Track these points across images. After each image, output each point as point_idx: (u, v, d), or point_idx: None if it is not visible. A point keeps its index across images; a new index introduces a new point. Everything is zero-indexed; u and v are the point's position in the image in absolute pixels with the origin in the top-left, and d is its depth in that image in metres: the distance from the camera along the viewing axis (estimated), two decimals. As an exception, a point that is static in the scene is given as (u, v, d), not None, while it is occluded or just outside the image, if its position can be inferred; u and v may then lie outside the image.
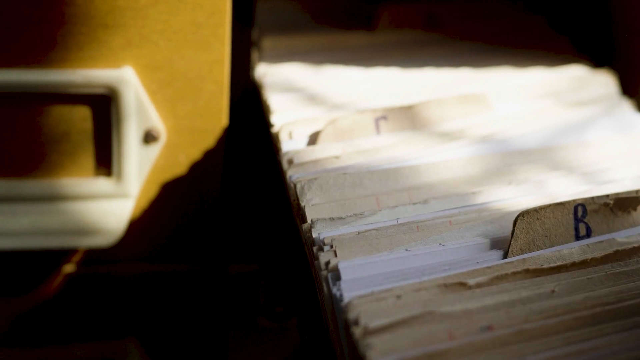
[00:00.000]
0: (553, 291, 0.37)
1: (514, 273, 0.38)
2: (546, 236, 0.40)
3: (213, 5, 0.53)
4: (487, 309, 0.36)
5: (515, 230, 0.40)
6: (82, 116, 0.56)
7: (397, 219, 0.43)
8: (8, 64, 0.54)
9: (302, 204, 0.45)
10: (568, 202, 0.41)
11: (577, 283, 0.38)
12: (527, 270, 0.38)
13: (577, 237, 0.41)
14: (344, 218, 0.43)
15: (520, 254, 0.40)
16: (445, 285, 0.37)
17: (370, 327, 0.35)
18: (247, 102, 0.64)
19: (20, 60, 0.54)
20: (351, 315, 0.36)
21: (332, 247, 0.41)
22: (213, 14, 0.54)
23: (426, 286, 0.37)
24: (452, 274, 0.38)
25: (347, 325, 0.36)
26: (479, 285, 0.37)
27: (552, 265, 0.39)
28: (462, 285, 0.37)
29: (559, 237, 0.40)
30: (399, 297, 0.36)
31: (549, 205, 0.40)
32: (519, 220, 0.40)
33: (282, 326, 0.56)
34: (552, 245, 0.40)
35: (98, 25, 0.53)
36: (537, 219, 0.40)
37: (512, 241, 0.40)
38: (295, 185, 0.46)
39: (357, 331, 0.35)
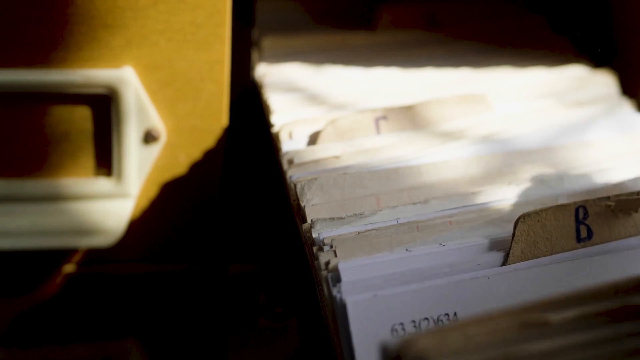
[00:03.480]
0: None
1: None
2: (547, 238, 0.40)
3: (213, 5, 0.53)
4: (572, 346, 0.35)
5: (516, 233, 0.40)
6: (82, 116, 0.56)
7: (397, 219, 0.43)
8: (8, 64, 0.54)
9: (302, 204, 0.45)
10: (569, 204, 0.40)
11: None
12: None
13: (579, 240, 0.40)
14: (344, 218, 0.43)
15: (521, 257, 0.39)
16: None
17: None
18: (247, 102, 0.64)
19: (20, 60, 0.54)
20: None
21: (332, 247, 0.41)
22: (213, 14, 0.54)
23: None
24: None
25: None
26: None
27: None
28: None
29: (560, 240, 0.40)
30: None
31: (550, 208, 0.40)
32: (519, 223, 0.40)
33: (282, 326, 0.56)
34: (553, 248, 0.40)
35: (98, 25, 0.53)
36: (538, 221, 0.40)
37: (513, 244, 0.40)
38: (295, 185, 0.46)
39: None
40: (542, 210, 0.40)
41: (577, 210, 0.40)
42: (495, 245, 0.41)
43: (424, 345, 0.30)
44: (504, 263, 0.40)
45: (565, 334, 0.31)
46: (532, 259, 0.40)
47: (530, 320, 0.31)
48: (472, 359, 0.30)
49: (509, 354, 0.30)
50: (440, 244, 0.41)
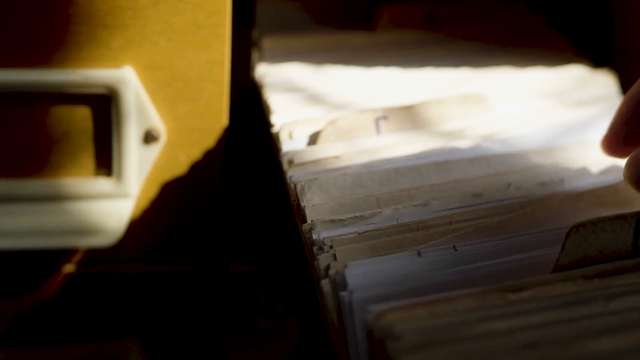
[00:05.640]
0: None
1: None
2: (600, 251, 0.37)
3: (213, 5, 0.53)
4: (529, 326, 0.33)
5: (567, 244, 0.37)
6: (82, 116, 0.56)
7: (397, 219, 0.43)
8: (8, 64, 0.54)
9: (302, 204, 0.45)
10: (630, 214, 0.37)
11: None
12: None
13: (636, 254, 0.37)
14: (344, 219, 0.43)
15: (567, 268, 0.37)
16: None
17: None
18: (247, 102, 0.64)
19: (21, 60, 0.54)
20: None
21: (331, 247, 0.41)
22: (213, 14, 0.54)
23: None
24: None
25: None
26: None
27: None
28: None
29: (615, 253, 0.37)
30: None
31: (608, 218, 0.37)
32: (572, 234, 0.36)
33: (282, 326, 0.56)
34: (604, 261, 0.37)
35: (98, 25, 0.53)
36: (593, 232, 0.37)
37: (562, 254, 0.37)
38: (295, 185, 0.46)
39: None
40: (599, 220, 0.37)
41: (638, 222, 0.37)
42: (496, 244, 0.40)
43: (392, 318, 0.33)
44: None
45: (523, 314, 0.33)
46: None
47: (491, 299, 0.34)
48: (436, 333, 0.32)
49: (471, 330, 0.32)
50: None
